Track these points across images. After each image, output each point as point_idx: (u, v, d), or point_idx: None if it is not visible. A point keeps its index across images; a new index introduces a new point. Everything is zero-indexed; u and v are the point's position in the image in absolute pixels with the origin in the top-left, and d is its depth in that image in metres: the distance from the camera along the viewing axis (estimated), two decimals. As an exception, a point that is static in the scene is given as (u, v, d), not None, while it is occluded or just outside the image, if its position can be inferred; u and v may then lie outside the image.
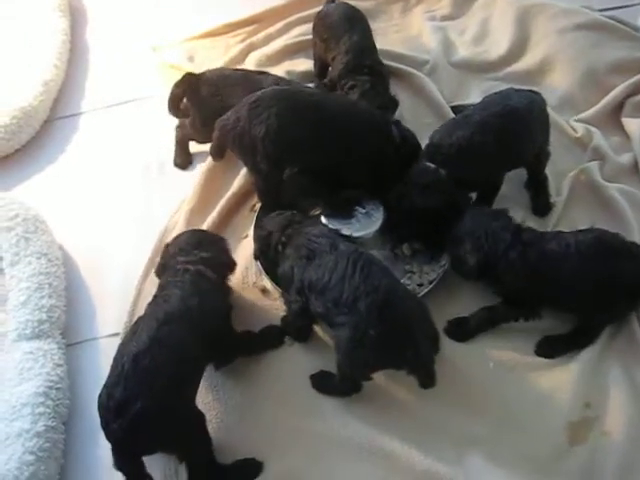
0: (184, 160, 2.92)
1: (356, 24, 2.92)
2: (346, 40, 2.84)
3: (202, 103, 2.71)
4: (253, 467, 2.08)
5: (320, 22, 3.00)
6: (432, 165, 2.38)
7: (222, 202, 2.69)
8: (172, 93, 2.74)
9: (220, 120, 2.46)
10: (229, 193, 2.72)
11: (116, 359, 1.93)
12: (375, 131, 2.44)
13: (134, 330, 1.98)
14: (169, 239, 2.43)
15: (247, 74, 2.80)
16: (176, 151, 2.92)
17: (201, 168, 2.84)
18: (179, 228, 2.59)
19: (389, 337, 1.94)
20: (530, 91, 2.56)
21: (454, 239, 2.25)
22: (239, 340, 2.25)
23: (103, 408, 1.87)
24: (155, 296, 2.11)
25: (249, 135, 2.36)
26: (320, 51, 2.99)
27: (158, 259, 2.31)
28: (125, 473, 1.89)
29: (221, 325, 2.15)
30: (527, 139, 2.46)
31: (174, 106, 2.76)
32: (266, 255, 2.31)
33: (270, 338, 2.31)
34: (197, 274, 2.11)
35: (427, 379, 2.02)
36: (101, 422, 1.88)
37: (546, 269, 2.15)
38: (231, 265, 2.32)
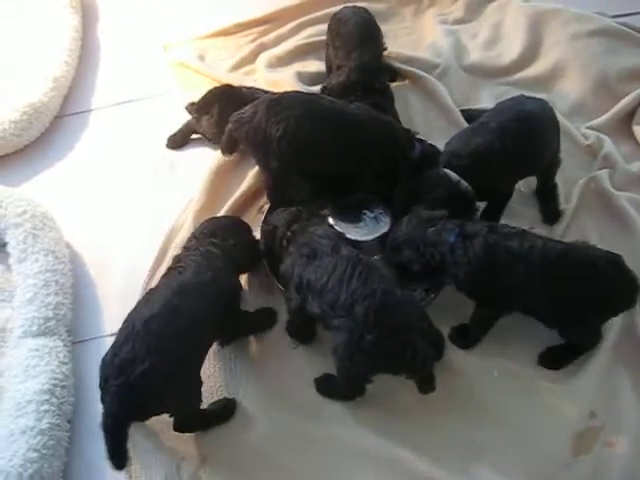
0: (179, 140, 2.94)
1: (369, 42, 2.88)
2: (356, 57, 2.80)
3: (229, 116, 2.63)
4: (229, 405, 2.17)
5: (334, 27, 2.97)
6: (454, 175, 2.34)
7: (230, 202, 2.69)
8: (205, 97, 2.80)
9: (236, 114, 2.46)
10: (237, 193, 2.72)
11: (126, 321, 1.97)
12: (392, 146, 2.42)
13: (147, 298, 2.03)
14: (176, 238, 2.43)
15: None
16: (179, 130, 2.94)
17: (209, 167, 2.82)
18: (187, 227, 2.59)
19: (386, 341, 1.93)
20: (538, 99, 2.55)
21: (393, 246, 2.24)
22: (245, 319, 2.29)
23: (106, 365, 1.89)
24: (169, 268, 2.16)
25: (264, 132, 2.36)
26: (330, 54, 2.98)
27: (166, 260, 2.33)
28: (109, 437, 1.88)
29: (231, 303, 2.19)
30: (543, 145, 2.45)
31: (200, 110, 2.82)
32: (271, 249, 2.32)
33: (264, 318, 2.35)
34: (209, 253, 2.16)
35: (426, 384, 2.00)
36: (100, 381, 1.90)
37: (496, 260, 2.09)
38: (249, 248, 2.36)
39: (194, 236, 2.29)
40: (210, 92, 2.84)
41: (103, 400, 1.89)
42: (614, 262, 2.10)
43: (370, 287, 1.98)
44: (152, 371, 1.85)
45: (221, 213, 2.64)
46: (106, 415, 1.87)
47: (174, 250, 2.50)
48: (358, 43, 2.84)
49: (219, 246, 2.20)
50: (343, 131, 2.39)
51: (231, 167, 2.79)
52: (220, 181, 2.78)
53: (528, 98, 2.52)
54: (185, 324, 1.96)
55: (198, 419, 2.14)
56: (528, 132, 2.39)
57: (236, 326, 2.27)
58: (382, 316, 1.93)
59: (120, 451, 1.89)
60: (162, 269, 2.41)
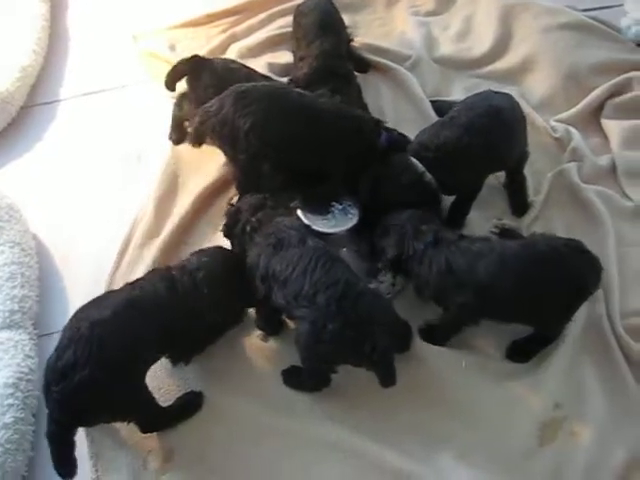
0: (178, 137, 2.86)
1: (330, 31, 2.88)
2: (318, 45, 2.81)
3: (199, 88, 2.67)
4: (196, 399, 2.15)
5: (297, 19, 2.99)
6: (419, 165, 2.35)
7: (197, 191, 2.67)
8: (174, 68, 2.73)
9: (203, 107, 2.45)
10: (206, 183, 2.70)
11: (71, 322, 1.92)
12: (359, 136, 2.42)
13: (98, 300, 1.98)
14: (138, 229, 2.47)
15: (251, 74, 2.72)
16: (171, 127, 2.87)
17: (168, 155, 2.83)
18: (149, 217, 2.60)
19: (347, 332, 1.92)
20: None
21: (384, 229, 2.25)
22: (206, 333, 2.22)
23: (49, 368, 1.85)
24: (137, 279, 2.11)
25: (232, 124, 2.35)
26: (294, 46, 2.99)
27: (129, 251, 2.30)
28: (53, 442, 1.84)
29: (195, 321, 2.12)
30: (513, 140, 2.47)
31: (172, 81, 2.75)
32: (232, 233, 2.29)
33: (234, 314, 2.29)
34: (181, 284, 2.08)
35: (386, 378, 2.00)
36: (43, 385, 1.85)
37: (459, 266, 2.10)
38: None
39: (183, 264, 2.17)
40: (180, 62, 2.75)
41: (47, 404, 1.85)
42: (576, 246, 2.12)
43: (333, 277, 1.98)
44: (91, 379, 1.79)
45: (186, 201, 2.62)
46: (49, 422, 1.84)
47: (137, 240, 2.51)
48: (319, 33, 2.84)
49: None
50: (310, 124, 2.38)
51: (197, 156, 2.76)
52: (184, 170, 2.77)
53: (496, 93, 2.53)
54: (132, 337, 1.91)
55: (160, 418, 2.10)
56: (498, 127, 2.39)
57: (196, 344, 2.20)
58: (344, 306, 1.93)
59: (67, 459, 1.86)
60: (126, 259, 2.40)
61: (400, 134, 2.52)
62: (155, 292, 2.02)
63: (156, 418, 2.10)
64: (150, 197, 2.69)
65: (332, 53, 2.81)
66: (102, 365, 1.82)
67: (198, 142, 2.55)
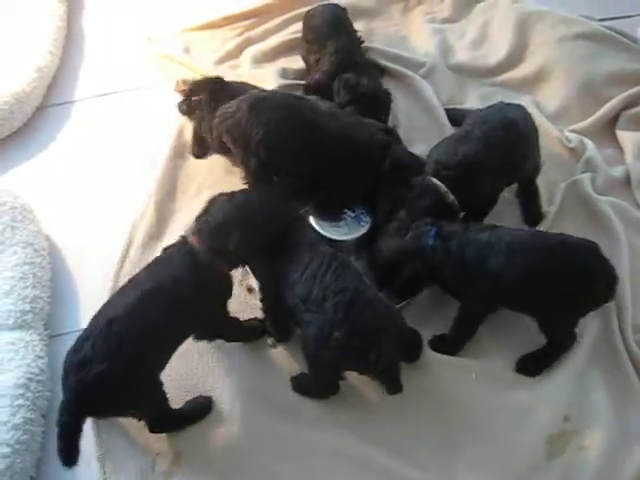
0: (200, 150, 2.86)
1: (340, 30, 2.92)
2: (333, 42, 2.85)
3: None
4: (205, 403, 2.17)
5: (306, 22, 3.03)
6: (441, 186, 2.30)
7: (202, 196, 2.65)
8: (196, 83, 2.72)
9: (222, 107, 2.46)
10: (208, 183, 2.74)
11: (95, 316, 1.96)
12: (368, 159, 2.41)
13: (120, 292, 2.02)
14: (139, 229, 2.54)
15: None
16: (193, 140, 2.87)
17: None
18: (148, 217, 2.63)
19: (353, 340, 1.92)
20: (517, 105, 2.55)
21: (394, 229, 2.24)
22: (231, 327, 2.25)
23: (69, 359, 1.89)
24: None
25: (244, 130, 2.36)
26: (306, 51, 3.00)
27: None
28: (63, 430, 1.87)
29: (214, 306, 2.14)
30: (528, 152, 2.46)
31: (189, 97, 2.73)
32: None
33: (252, 329, 2.31)
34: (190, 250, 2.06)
35: (392, 385, 2.00)
36: (62, 374, 1.90)
37: (471, 257, 2.11)
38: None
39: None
40: (202, 80, 2.76)
41: (64, 393, 1.89)
42: (590, 247, 2.13)
43: (342, 284, 1.97)
44: (107, 374, 1.84)
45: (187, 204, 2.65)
46: (62, 410, 1.87)
47: (139, 241, 2.55)
48: (332, 31, 2.89)
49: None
50: (320, 141, 2.38)
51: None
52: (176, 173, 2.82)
53: (507, 105, 2.52)
54: (149, 331, 1.93)
55: (169, 419, 2.12)
56: (513, 139, 2.39)
57: (216, 330, 2.23)
58: (351, 313, 1.93)
59: (71, 448, 1.88)
60: (131, 255, 2.47)
61: (412, 155, 2.48)
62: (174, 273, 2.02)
63: (166, 418, 2.11)
64: (151, 198, 2.72)
65: (348, 48, 2.86)
66: (119, 361, 1.86)
67: (222, 148, 2.56)
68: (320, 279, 1.99)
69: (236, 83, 2.79)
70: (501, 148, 2.34)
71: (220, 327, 2.23)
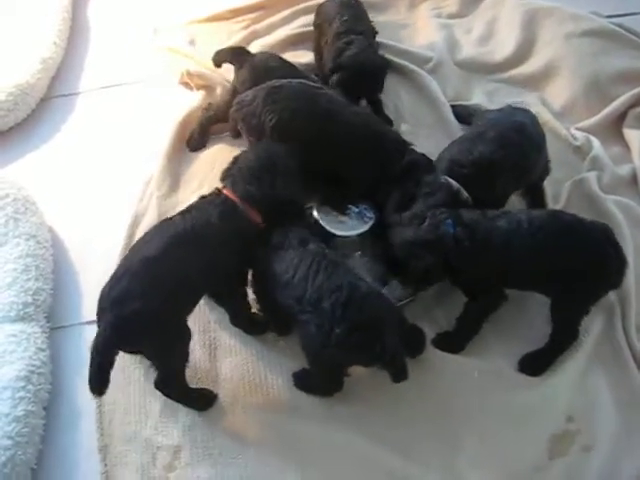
0: (199, 142, 2.87)
1: (348, 9, 2.94)
2: (337, 19, 2.88)
3: (238, 79, 2.72)
4: (209, 396, 2.18)
5: (316, 11, 3.06)
6: (454, 183, 2.26)
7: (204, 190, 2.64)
8: (220, 52, 2.85)
9: (239, 96, 2.52)
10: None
11: (126, 257, 2.05)
12: (382, 150, 2.40)
13: (154, 232, 2.08)
14: (139, 226, 2.53)
15: (285, 76, 2.63)
16: (195, 131, 2.87)
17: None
18: (151, 210, 2.64)
19: (354, 335, 1.91)
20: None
21: (408, 218, 2.21)
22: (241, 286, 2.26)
23: (103, 297, 1.95)
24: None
25: (259, 118, 2.40)
26: (315, 41, 3.02)
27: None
28: (96, 357, 1.90)
29: (237, 262, 2.17)
30: (539, 155, 2.44)
31: (218, 61, 2.86)
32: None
33: (256, 321, 2.32)
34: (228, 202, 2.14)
35: (399, 373, 1.99)
36: (97, 310, 1.95)
37: (495, 245, 2.10)
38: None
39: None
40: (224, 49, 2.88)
41: (99, 327, 1.93)
42: (603, 229, 2.15)
43: (336, 282, 1.97)
44: (143, 311, 1.89)
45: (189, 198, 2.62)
46: (98, 337, 1.91)
47: (142, 233, 2.49)
48: (338, 10, 2.92)
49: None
50: (333, 132, 2.38)
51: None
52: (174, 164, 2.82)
53: (515, 109, 2.51)
54: (180, 272, 1.98)
55: (177, 384, 2.13)
56: (525, 142, 2.37)
57: (230, 289, 2.26)
58: (350, 310, 1.92)
59: (102, 376, 1.90)
60: None
61: (422, 155, 2.44)
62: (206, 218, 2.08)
63: (173, 380, 2.12)
64: (153, 191, 2.71)
65: (353, 21, 2.89)
66: (154, 300, 1.92)
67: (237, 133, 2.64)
68: (312, 279, 1.99)
69: (261, 55, 2.83)
70: (515, 149, 2.33)
71: (235, 284, 2.25)
